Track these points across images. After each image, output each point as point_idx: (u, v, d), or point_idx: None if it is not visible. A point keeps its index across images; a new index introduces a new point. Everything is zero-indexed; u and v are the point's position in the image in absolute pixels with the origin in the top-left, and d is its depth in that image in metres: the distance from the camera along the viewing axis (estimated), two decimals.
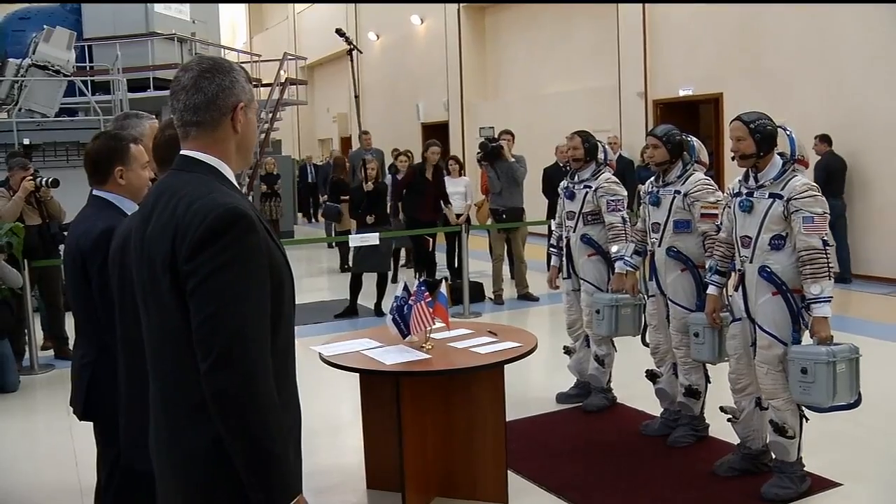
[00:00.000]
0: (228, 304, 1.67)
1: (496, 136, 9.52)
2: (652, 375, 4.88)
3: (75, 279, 2.77)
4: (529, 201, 9.42)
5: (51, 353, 7.24)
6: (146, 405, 1.96)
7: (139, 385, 2.27)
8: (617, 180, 5.29)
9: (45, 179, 6.75)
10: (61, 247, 6.57)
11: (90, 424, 2.88)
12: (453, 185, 10.11)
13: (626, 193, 5.27)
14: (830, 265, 3.67)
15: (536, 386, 5.76)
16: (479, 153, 9.50)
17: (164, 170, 2.52)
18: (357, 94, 8.42)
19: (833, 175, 9.06)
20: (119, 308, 2.54)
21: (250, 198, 12.75)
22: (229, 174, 1.87)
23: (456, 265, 9.98)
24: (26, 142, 10.29)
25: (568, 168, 5.85)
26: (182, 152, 1.86)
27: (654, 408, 4.95)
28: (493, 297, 9.15)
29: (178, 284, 1.72)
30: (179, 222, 1.72)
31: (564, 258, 5.42)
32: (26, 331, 6.86)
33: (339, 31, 8.18)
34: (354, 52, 8.12)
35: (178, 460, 1.80)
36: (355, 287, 8.62)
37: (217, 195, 1.75)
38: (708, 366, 4.58)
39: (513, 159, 9.08)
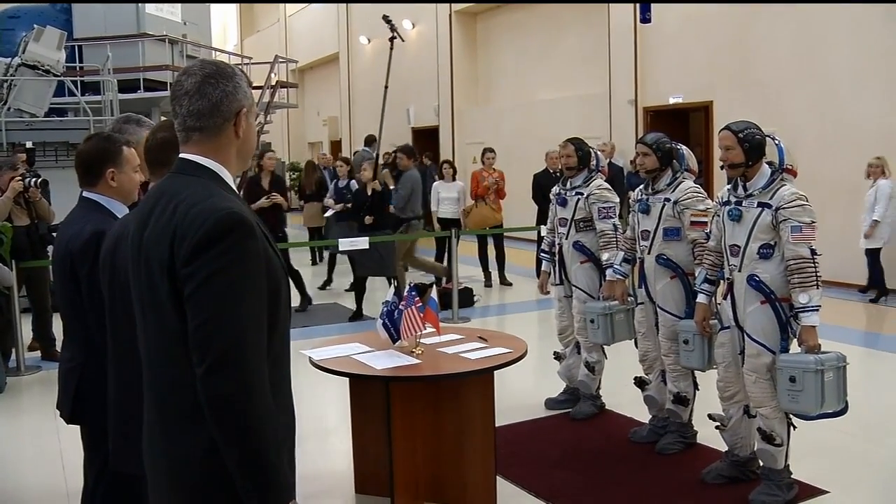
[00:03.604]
0: (225, 308, 1.66)
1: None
2: (640, 382, 4.89)
3: (64, 281, 2.75)
4: (519, 207, 9.41)
5: (37, 354, 7.19)
6: (135, 408, 1.95)
7: (128, 388, 2.26)
8: (609, 187, 5.29)
9: (33, 180, 6.72)
10: (50, 248, 6.54)
11: (77, 427, 2.86)
12: (446, 190, 10.15)
13: (618, 200, 5.26)
14: (819, 274, 3.69)
15: (526, 392, 5.76)
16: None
17: (155, 172, 2.51)
18: (386, 85, 8.45)
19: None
20: (109, 310, 2.53)
21: None
22: (229, 179, 1.86)
23: None
24: (28, 144, 10.21)
25: (558, 174, 5.85)
26: (182, 155, 1.85)
27: (643, 414, 4.96)
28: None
29: (175, 288, 1.71)
30: (178, 226, 1.71)
31: (557, 264, 5.42)
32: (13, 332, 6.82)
33: (385, 18, 8.28)
34: (395, 41, 8.17)
35: (173, 467, 1.78)
36: (359, 291, 8.53)
37: (216, 200, 1.74)
38: (696, 373, 4.60)
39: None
